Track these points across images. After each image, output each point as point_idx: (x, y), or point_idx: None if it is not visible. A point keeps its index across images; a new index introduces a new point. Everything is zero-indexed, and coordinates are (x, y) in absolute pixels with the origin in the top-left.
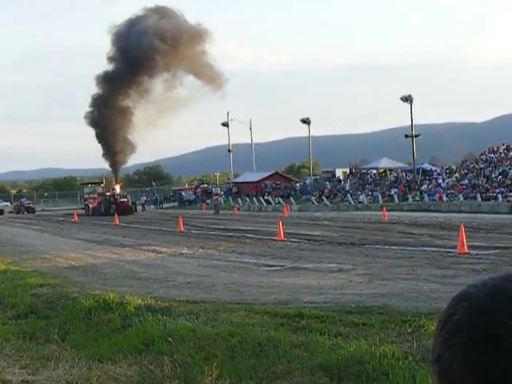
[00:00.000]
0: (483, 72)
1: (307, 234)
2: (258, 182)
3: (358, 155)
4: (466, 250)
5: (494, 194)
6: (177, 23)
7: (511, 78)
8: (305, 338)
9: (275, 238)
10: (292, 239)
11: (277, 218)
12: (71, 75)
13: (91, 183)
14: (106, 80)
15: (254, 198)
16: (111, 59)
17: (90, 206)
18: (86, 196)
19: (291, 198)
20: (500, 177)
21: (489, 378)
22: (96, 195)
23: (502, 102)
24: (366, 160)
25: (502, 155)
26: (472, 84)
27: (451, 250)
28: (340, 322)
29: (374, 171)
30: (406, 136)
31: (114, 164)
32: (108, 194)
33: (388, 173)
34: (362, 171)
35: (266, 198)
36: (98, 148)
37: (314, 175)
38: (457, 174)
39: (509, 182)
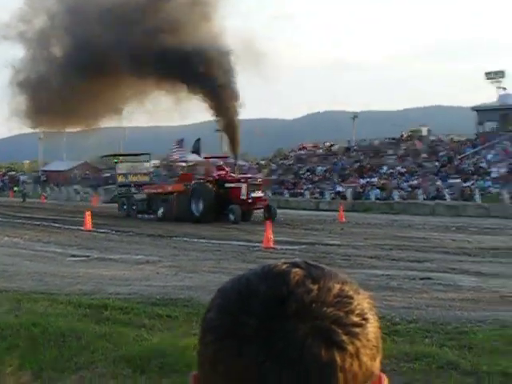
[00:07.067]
0: (295, 71)
1: (115, 225)
2: (68, 171)
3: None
4: (272, 245)
5: (302, 191)
6: None
7: (320, 78)
8: (108, 329)
9: (82, 228)
10: (100, 230)
11: (85, 208)
12: None
13: (120, 155)
14: None
15: (63, 188)
16: None
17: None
18: (121, 181)
19: (100, 189)
20: (308, 173)
21: (231, 376)
22: (176, 177)
23: (311, 101)
24: None
25: (311, 152)
26: (284, 82)
27: (257, 244)
28: (144, 314)
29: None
30: (217, 130)
31: (233, 128)
32: (209, 177)
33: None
34: (170, 164)
35: (74, 187)
36: None
37: None
38: (266, 170)
39: (316, 179)
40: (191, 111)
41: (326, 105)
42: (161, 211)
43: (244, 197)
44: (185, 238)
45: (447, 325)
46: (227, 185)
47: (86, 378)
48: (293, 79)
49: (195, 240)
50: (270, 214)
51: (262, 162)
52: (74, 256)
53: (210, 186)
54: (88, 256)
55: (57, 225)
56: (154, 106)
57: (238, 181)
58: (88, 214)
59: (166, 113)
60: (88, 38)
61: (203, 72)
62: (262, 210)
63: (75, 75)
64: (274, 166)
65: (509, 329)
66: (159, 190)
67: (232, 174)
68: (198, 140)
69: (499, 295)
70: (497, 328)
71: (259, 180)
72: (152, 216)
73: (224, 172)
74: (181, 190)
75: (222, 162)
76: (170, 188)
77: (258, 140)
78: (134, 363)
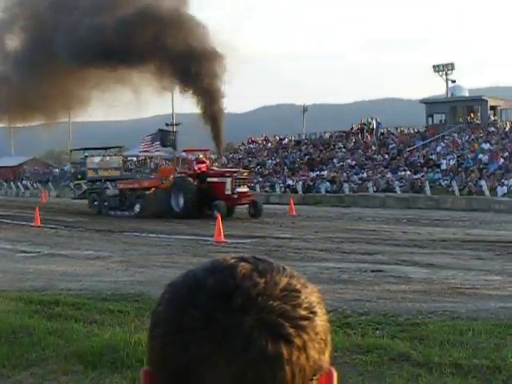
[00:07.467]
0: (246, 64)
1: (65, 221)
2: (16, 166)
3: (119, 143)
4: (223, 239)
5: (252, 184)
6: None
7: (272, 71)
8: (60, 325)
9: (32, 223)
10: (50, 225)
11: (35, 204)
12: None
13: (90, 149)
14: None
15: (12, 183)
16: None
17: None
18: (90, 176)
19: (50, 184)
20: (258, 167)
21: (178, 370)
22: (156, 173)
23: (262, 94)
24: (126, 148)
25: (261, 146)
26: (235, 75)
27: (208, 238)
28: (96, 309)
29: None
30: (167, 124)
31: (216, 115)
32: (188, 171)
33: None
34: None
35: (24, 183)
36: None
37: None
38: (216, 164)
39: (266, 173)
40: (148, 104)
41: (275, 98)
42: (137, 207)
43: (229, 192)
44: (135, 233)
45: (398, 317)
46: (210, 179)
47: (38, 374)
48: (242, 73)
49: (145, 235)
50: (255, 210)
51: (212, 156)
52: (24, 252)
53: (192, 180)
54: (38, 252)
55: (6, 221)
56: (113, 100)
57: (222, 175)
58: (38, 209)
59: (125, 106)
60: (42, 29)
61: (186, 63)
62: (248, 205)
63: (32, 69)
64: (223, 160)
65: (459, 320)
66: (135, 186)
67: (214, 168)
68: (173, 132)
69: (450, 286)
70: (447, 319)
71: (245, 174)
72: (126, 213)
73: (204, 165)
74: (159, 185)
75: (201, 155)
76: (146, 183)
77: (208, 134)
78: (86, 359)
